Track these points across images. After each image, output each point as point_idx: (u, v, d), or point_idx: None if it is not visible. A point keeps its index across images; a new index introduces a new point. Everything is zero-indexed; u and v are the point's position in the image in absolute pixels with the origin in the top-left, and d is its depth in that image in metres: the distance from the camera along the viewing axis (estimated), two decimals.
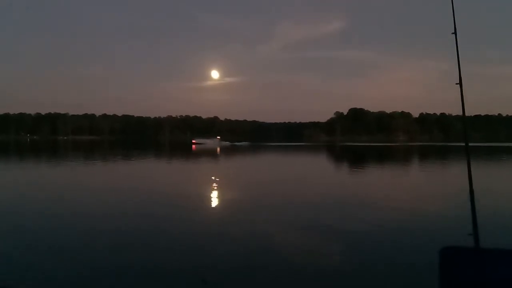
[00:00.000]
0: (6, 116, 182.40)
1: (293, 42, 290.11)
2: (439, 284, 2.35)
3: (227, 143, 74.83)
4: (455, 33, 2.86)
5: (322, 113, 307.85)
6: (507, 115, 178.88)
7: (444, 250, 2.41)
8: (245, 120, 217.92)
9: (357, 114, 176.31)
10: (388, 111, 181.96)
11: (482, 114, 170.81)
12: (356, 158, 39.72)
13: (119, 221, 8.93)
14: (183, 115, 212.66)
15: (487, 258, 2.34)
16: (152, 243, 7.10)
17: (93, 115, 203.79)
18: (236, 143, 73.93)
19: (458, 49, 2.83)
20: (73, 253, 6.44)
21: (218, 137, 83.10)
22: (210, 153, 44.30)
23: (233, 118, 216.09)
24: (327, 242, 7.35)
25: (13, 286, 4.87)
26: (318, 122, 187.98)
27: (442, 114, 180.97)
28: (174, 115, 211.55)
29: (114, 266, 5.87)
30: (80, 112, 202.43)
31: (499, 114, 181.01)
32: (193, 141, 78.12)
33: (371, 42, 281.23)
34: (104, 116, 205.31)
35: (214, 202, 12.39)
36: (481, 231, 2.45)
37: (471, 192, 2.57)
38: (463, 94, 2.79)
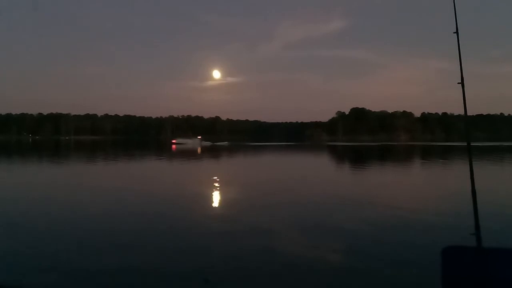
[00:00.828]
0: (8, 116, 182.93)
1: (295, 42, 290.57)
2: (441, 282, 2.35)
3: (208, 143, 73.81)
4: (457, 32, 2.86)
5: (324, 113, 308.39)
6: (509, 114, 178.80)
7: (446, 250, 2.41)
8: (247, 120, 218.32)
9: (358, 114, 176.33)
10: (389, 110, 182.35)
11: (484, 113, 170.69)
12: (349, 158, 39.62)
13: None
14: (185, 115, 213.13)
15: (489, 257, 2.34)
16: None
17: (95, 115, 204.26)
18: (217, 143, 73.21)
19: (460, 48, 2.83)
20: (74, 251, 6.46)
21: (199, 136, 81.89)
22: (186, 153, 43.29)
23: (234, 118, 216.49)
24: (326, 248, 7.33)
25: (15, 286, 4.88)
26: (320, 122, 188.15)
27: (444, 114, 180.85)
28: (176, 115, 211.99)
29: (115, 265, 5.88)
30: (82, 112, 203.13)
31: (501, 113, 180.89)
32: (173, 141, 76.17)
33: (373, 41, 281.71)
34: (106, 116, 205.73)
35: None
36: (483, 231, 2.44)
37: (473, 192, 2.57)
38: (465, 93, 2.78)
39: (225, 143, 77.17)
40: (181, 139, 78.18)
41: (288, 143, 77.48)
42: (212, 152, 47.43)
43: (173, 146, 65.03)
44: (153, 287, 5.08)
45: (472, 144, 2.71)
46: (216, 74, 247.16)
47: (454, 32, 2.89)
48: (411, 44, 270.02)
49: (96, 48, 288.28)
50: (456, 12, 2.89)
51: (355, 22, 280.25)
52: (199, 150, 52.47)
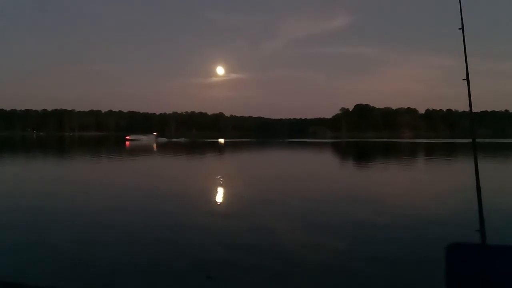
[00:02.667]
0: (13, 112, 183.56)
1: (298, 39, 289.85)
2: (445, 279, 2.35)
3: (164, 139, 73.11)
4: (462, 28, 2.84)
5: (328, 109, 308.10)
6: None
7: (450, 246, 2.41)
8: (251, 117, 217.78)
9: (362, 110, 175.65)
10: (394, 107, 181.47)
11: (489, 110, 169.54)
12: (353, 156, 39.46)
13: None
14: (189, 111, 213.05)
15: (493, 254, 2.33)
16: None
17: (99, 111, 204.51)
18: (173, 140, 72.27)
19: (465, 45, 2.81)
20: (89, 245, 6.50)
21: (155, 133, 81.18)
22: (134, 151, 40.84)
23: (238, 114, 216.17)
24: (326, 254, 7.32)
25: (16, 283, 4.89)
26: (324, 119, 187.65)
27: (449, 110, 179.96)
28: (179, 112, 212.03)
29: (118, 262, 5.90)
30: (86, 108, 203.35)
31: (505, 110, 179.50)
32: (127, 137, 73.79)
33: (377, 38, 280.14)
34: (110, 112, 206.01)
35: None
36: (488, 228, 2.44)
37: (478, 188, 2.56)
38: (470, 90, 2.77)
39: (182, 139, 75.90)
40: (135, 135, 76.72)
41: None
42: (162, 149, 44.93)
43: (127, 142, 63.03)
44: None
45: (477, 141, 2.70)
46: (220, 70, 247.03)
47: (459, 28, 2.87)
48: (416, 41, 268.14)
49: (101, 45, 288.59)
50: (462, 8, 2.87)
51: (359, 19, 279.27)
52: (154, 146, 51.40)
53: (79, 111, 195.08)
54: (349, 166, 26.52)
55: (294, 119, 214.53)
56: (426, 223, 8.33)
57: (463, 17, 2.84)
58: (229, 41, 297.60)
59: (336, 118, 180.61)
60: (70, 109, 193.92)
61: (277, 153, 41.76)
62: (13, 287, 3.28)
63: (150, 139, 72.77)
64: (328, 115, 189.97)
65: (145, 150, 42.05)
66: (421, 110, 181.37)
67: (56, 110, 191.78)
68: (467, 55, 2.80)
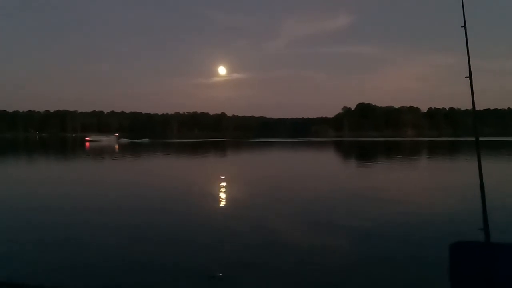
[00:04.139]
0: (16, 113, 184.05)
1: (300, 38, 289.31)
2: (449, 278, 2.35)
3: (126, 140, 70.98)
4: (464, 26, 2.83)
5: (330, 109, 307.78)
6: None
7: (454, 245, 2.40)
8: (253, 116, 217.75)
9: (365, 109, 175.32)
10: (396, 106, 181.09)
11: (492, 108, 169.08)
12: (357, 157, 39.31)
13: None
14: (191, 111, 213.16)
15: (497, 253, 2.33)
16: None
17: (101, 112, 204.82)
18: (136, 140, 69.44)
19: (468, 43, 2.80)
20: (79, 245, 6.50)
21: (116, 134, 79.34)
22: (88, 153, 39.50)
23: (240, 114, 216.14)
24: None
25: (16, 283, 4.91)
26: (326, 118, 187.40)
27: (451, 109, 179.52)
28: (181, 112, 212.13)
29: (121, 261, 5.91)
30: (88, 109, 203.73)
31: (508, 108, 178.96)
32: (86, 138, 71.95)
33: (379, 37, 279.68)
34: (112, 113, 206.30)
35: None
36: (492, 226, 2.43)
37: (482, 187, 2.55)
38: (473, 88, 2.76)
39: (145, 140, 72.92)
40: (95, 136, 75.11)
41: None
42: (123, 150, 42.86)
43: (87, 144, 61.33)
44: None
45: (480, 139, 2.69)
46: (222, 70, 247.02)
47: (461, 26, 2.86)
48: (418, 39, 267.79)
49: (103, 45, 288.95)
50: (464, 6, 2.86)
51: (360, 18, 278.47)
52: (116, 147, 49.90)
53: (81, 112, 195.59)
54: (356, 165, 26.48)
55: (297, 118, 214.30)
56: (428, 222, 8.31)
57: (465, 15, 2.84)
58: (230, 41, 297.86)
59: (338, 117, 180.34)
60: (72, 110, 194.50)
61: (234, 157, 36.29)
62: (13, 287, 3.30)
63: (110, 140, 70.80)
64: (330, 114, 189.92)
65: (95, 153, 39.59)
66: (424, 109, 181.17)
67: (58, 111, 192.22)
68: (469, 53, 2.80)
